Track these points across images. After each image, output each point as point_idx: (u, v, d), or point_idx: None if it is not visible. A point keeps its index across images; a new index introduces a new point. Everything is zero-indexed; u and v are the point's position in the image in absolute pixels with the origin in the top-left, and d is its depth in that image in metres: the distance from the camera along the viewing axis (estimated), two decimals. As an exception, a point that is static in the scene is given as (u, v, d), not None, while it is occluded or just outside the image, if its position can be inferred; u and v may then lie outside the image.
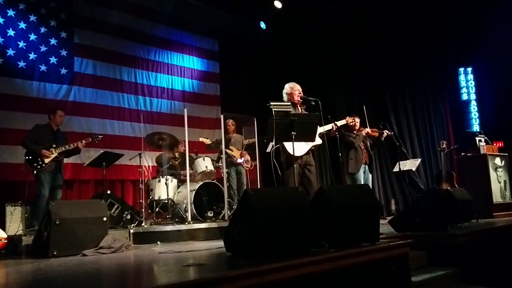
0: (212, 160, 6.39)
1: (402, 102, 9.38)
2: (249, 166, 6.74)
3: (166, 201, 5.74)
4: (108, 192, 6.16)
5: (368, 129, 6.20)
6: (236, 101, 8.45)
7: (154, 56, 8.14)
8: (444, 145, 7.56)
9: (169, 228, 4.80)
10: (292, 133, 3.85)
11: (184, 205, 5.53)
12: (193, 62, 8.73)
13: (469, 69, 9.48)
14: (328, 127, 4.59)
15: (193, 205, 5.46)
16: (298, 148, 4.16)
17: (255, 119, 6.09)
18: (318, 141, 4.38)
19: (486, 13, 8.38)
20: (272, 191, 2.97)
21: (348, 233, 2.94)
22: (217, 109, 8.65)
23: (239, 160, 6.60)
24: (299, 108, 4.50)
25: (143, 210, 5.51)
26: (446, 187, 6.61)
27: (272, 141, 3.89)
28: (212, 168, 6.24)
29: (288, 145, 4.15)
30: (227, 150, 6.38)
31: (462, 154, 6.81)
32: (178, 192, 5.92)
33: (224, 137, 5.95)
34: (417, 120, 9.38)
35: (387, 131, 6.18)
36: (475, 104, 9.39)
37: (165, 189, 5.76)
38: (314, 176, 4.38)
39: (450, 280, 3.58)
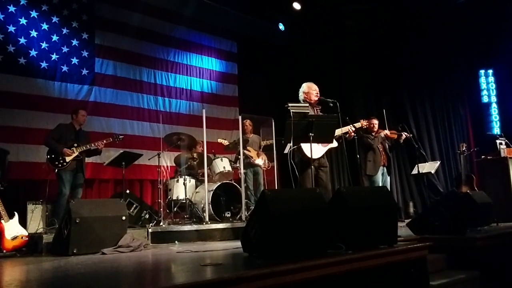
0: (230, 160, 6.41)
1: (421, 104, 9.26)
2: (266, 166, 6.74)
3: (184, 201, 5.77)
4: (127, 191, 6.24)
5: (386, 131, 6.14)
6: (254, 102, 8.46)
7: (173, 57, 8.21)
8: (464, 148, 7.43)
9: (187, 228, 4.83)
10: (310, 134, 3.84)
11: (202, 205, 5.55)
12: (211, 63, 8.78)
13: (490, 71, 9.29)
14: (345, 129, 4.57)
15: (210, 206, 5.48)
16: (315, 150, 4.14)
17: (273, 120, 6.09)
18: (334, 143, 4.37)
19: (507, 15, 8.20)
20: (289, 192, 2.98)
21: (366, 235, 2.91)
22: (235, 110, 8.67)
23: (257, 161, 6.60)
24: (315, 109, 4.49)
25: (161, 209, 5.56)
26: (466, 190, 6.51)
27: (290, 142, 3.89)
28: (230, 169, 6.26)
29: (305, 147, 4.14)
30: (244, 151, 6.39)
31: (482, 157, 6.69)
32: (196, 192, 5.95)
33: (242, 137, 5.97)
34: (436, 122, 9.24)
35: (405, 133, 6.11)
36: (496, 106, 9.19)
37: (183, 189, 5.80)
38: (327, 177, 4.39)
39: (469, 284, 3.52)
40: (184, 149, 6.36)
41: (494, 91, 9.26)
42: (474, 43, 8.70)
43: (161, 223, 5.17)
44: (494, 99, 9.23)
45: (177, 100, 8.07)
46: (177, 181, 5.95)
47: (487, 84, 9.29)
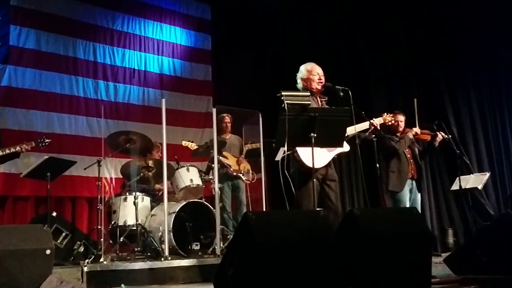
0: (200, 171, 6.38)
1: (465, 94, 9.35)
2: (250, 179, 6.73)
3: (135, 228, 5.72)
4: (54, 214, 6.14)
5: (416, 130, 6.19)
6: (235, 89, 8.46)
7: (121, 25, 8.17)
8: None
9: (138, 265, 4.79)
10: (312, 134, 3.85)
11: (160, 233, 5.51)
12: (175, 35, 8.76)
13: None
14: (362, 127, 4.59)
15: (172, 234, 5.46)
16: (318, 157, 4.15)
17: (260, 115, 6.10)
18: (345, 147, 4.39)
19: None
20: (282, 216, 2.97)
21: (386, 274, 2.93)
22: (207, 100, 8.67)
23: (237, 172, 6.61)
24: (319, 100, 4.52)
25: (101, 240, 5.49)
26: (525, 213, 6.59)
27: (284, 146, 3.89)
28: (200, 183, 6.23)
29: (304, 152, 4.15)
30: (220, 157, 6.36)
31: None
32: (152, 216, 5.91)
33: (217, 138, 5.96)
34: (485, 119, 9.34)
35: (442, 134, 6.17)
36: None
37: (133, 211, 5.75)
38: (336, 195, 4.41)
39: None
40: (136, 154, 6.29)
41: None
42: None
43: (102, 259, 5.10)
44: None
45: (126, 86, 8.04)
46: (125, 199, 5.90)
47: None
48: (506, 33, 9.10)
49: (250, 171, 6.75)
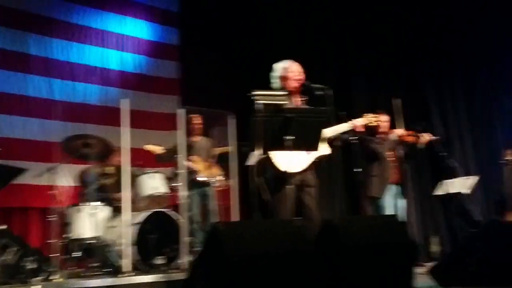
0: (166, 177, 6.37)
1: (451, 94, 9.47)
2: (221, 186, 6.72)
3: (92, 241, 5.69)
4: (3, 227, 6.04)
5: (400, 131, 6.25)
6: (205, 88, 8.44)
7: (77, 17, 8.08)
8: (510, 157, 7.65)
9: (96, 283, 4.77)
10: (287, 137, 3.85)
11: (121, 247, 5.47)
12: (139, 29, 8.70)
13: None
14: (342, 128, 4.61)
15: (134, 247, 5.44)
16: (295, 160, 4.16)
17: (232, 116, 6.10)
18: (325, 150, 4.40)
19: None
20: (254, 226, 2.98)
21: (367, 287, 2.93)
22: (174, 100, 8.62)
23: (206, 177, 6.59)
24: (297, 99, 4.52)
25: (55, 255, 5.43)
26: (513, 219, 6.71)
27: (257, 150, 3.89)
28: (165, 190, 6.22)
29: (279, 156, 4.15)
30: (187, 163, 6.35)
31: (539, 170, 6.92)
32: (111, 227, 5.87)
33: (185, 141, 5.93)
34: (471, 119, 9.48)
35: (428, 135, 6.24)
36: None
37: (90, 222, 5.73)
38: (314, 202, 4.40)
39: None
40: (94, 160, 6.26)
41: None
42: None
43: (56, 276, 5.05)
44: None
45: (83, 84, 7.96)
46: (82, 210, 5.86)
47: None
48: (496, 32, 9.26)
49: (222, 178, 6.74)
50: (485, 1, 8.98)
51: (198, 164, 6.62)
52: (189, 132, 6.73)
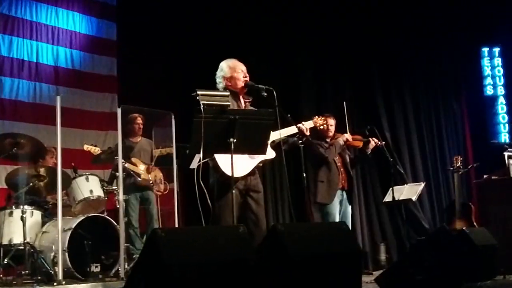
0: (102, 180, 6.31)
1: (399, 98, 9.70)
2: (161, 190, 6.68)
3: (22, 248, 5.56)
4: None
5: (347, 136, 6.34)
6: (144, 86, 8.37)
7: (8, 8, 7.87)
8: (459, 163, 7.80)
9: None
10: (231, 140, 3.86)
11: (53, 254, 5.41)
12: (73, 21, 8.52)
13: (496, 50, 9.86)
14: (288, 131, 4.65)
15: (67, 254, 5.36)
16: (239, 164, 4.17)
17: (172, 116, 6.06)
18: (270, 154, 4.43)
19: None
20: (195, 232, 2.96)
21: (314, 298, 2.97)
22: (111, 98, 8.51)
23: (146, 180, 6.55)
24: (242, 101, 4.54)
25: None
26: (461, 227, 6.89)
27: (199, 153, 3.88)
28: (101, 194, 6.15)
29: (223, 160, 4.16)
30: (127, 164, 6.30)
31: (485, 176, 7.11)
32: (43, 233, 5.77)
33: (122, 142, 5.87)
34: (420, 124, 9.71)
35: (375, 140, 6.35)
36: (504, 101, 9.80)
37: (20, 227, 5.58)
38: (261, 209, 4.43)
39: None
40: (25, 160, 6.13)
41: (502, 78, 9.82)
42: (474, 7, 9.18)
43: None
44: (501, 90, 9.77)
45: (13, 80, 7.76)
46: (10, 214, 5.74)
47: (492, 68, 9.86)
48: (445, 33, 9.48)
49: (163, 181, 6.69)
50: (431, 3, 9.19)
51: (138, 166, 6.57)
52: (129, 133, 6.68)
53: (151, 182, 6.61)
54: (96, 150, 6.42)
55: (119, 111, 5.82)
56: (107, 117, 8.33)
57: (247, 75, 4.52)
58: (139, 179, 6.54)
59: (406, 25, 9.37)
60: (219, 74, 4.54)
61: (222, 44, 8.05)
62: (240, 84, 4.48)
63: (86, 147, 6.46)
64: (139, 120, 6.78)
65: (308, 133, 4.84)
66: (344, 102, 6.66)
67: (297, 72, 9.28)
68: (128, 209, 6.37)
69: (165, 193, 6.71)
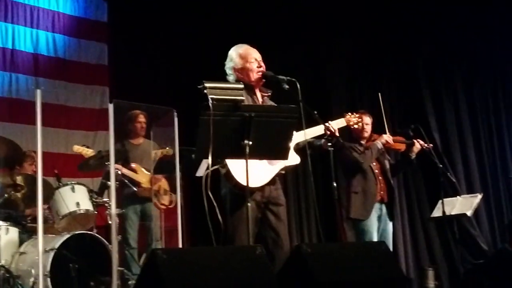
0: (91, 191, 6.31)
1: (450, 91, 9.62)
2: (166, 203, 6.72)
3: (-4, 271, 5.59)
4: None
5: (387, 137, 6.31)
6: (140, 78, 8.42)
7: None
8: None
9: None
10: (246, 142, 3.86)
11: (32, 279, 5.42)
12: (56, 0, 8.60)
13: None
14: (315, 132, 4.63)
15: (49, 280, 5.37)
16: (256, 172, 4.17)
17: (175, 114, 6.08)
18: (293, 159, 4.41)
19: None
20: (203, 253, 2.96)
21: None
22: (102, 92, 8.60)
23: (147, 189, 6.58)
24: (259, 95, 4.54)
25: None
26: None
27: (207, 158, 3.88)
28: (90, 207, 6.15)
29: (236, 166, 4.16)
30: (125, 171, 6.35)
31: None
32: (21, 254, 5.80)
33: (121, 144, 5.91)
34: (476, 123, 9.62)
35: (421, 142, 6.31)
36: None
37: (-6, 247, 5.63)
38: (283, 225, 4.42)
39: None
40: (-1, 167, 6.17)
41: None
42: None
43: None
44: None
45: (-16, 70, 7.85)
46: (-19, 231, 5.77)
47: None
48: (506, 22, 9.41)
49: (168, 192, 6.71)
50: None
51: (139, 174, 6.58)
52: (129, 133, 6.72)
53: (154, 194, 6.61)
54: (88, 152, 6.40)
55: (110, 107, 5.83)
56: (97, 115, 8.38)
57: (263, 64, 4.50)
58: (137, 188, 6.56)
59: (460, 12, 9.30)
60: (228, 64, 4.54)
61: (236, 28, 8.04)
62: (254, 76, 4.45)
63: (76, 148, 6.45)
64: (141, 118, 6.80)
65: (337, 134, 4.82)
66: (379, 94, 6.60)
67: (325, 60, 9.27)
68: (125, 225, 6.40)
69: (170, 206, 6.71)
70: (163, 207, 6.72)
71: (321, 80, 8.94)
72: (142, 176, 6.62)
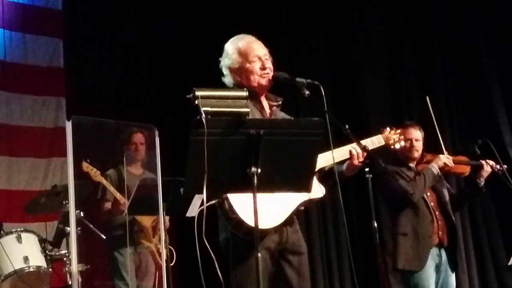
0: (43, 240, 6.36)
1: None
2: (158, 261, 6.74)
3: None
4: None
5: (445, 158, 6.31)
6: (108, 84, 8.48)
7: None
8: None
9: None
10: (253, 170, 3.85)
11: None
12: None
13: None
14: (345, 153, 4.61)
15: None
16: (268, 209, 4.17)
17: (156, 132, 6.12)
18: (317, 191, 4.39)
19: None
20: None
21: None
22: (56, 105, 8.67)
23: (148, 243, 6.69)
24: (266, 104, 4.54)
25: None
26: None
27: (201, 192, 3.86)
28: (42, 263, 6.20)
29: (241, 201, 4.17)
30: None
31: None
32: None
33: (119, 172, 6.10)
34: None
35: (491, 163, 6.32)
36: None
37: None
38: (305, 281, 4.44)
39: None
40: None
41: None
42: None
43: None
44: None
45: None
46: None
47: None
48: None
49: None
50: None
51: (143, 219, 6.68)
52: (128, 158, 6.81)
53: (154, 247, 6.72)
54: (96, 174, 6.53)
55: (68, 125, 5.85)
56: (50, 136, 8.40)
57: (269, 65, 4.45)
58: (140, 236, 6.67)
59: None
60: (223, 62, 4.51)
61: (239, 18, 8.04)
62: (257, 79, 4.42)
63: (85, 166, 6.54)
64: (139, 138, 6.82)
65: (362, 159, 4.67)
66: (427, 98, 6.60)
67: (358, 57, 9.32)
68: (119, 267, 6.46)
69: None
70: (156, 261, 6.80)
71: (353, 82, 8.93)
72: (146, 220, 6.70)
